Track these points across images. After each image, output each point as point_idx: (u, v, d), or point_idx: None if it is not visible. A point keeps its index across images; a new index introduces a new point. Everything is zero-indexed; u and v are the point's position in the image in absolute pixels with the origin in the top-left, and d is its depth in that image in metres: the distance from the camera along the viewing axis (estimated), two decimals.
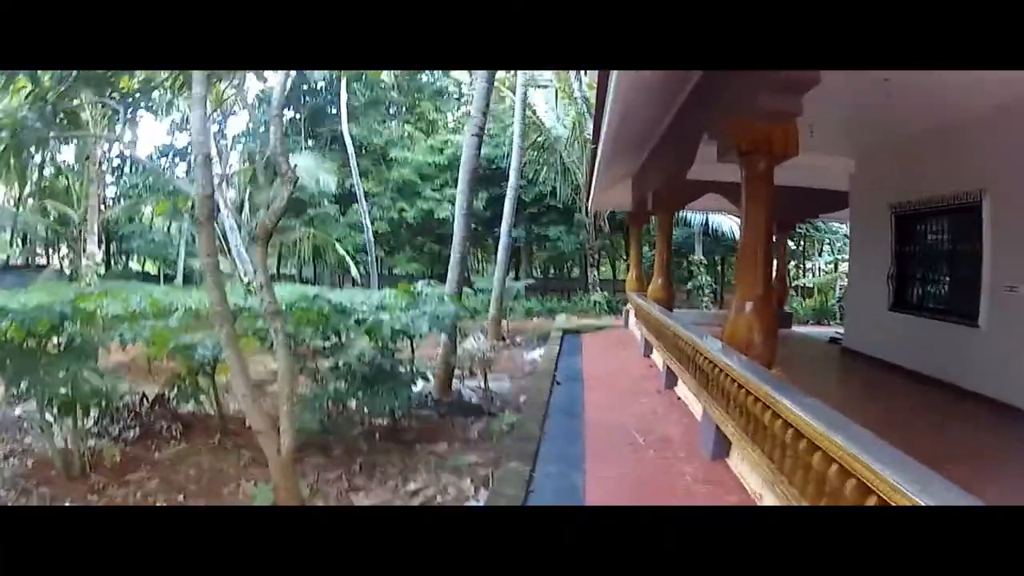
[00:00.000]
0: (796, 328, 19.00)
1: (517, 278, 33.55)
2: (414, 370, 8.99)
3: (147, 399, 9.55)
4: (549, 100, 26.67)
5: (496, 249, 43.02)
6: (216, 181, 25.80)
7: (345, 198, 36.43)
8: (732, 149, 6.61)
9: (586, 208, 27.23)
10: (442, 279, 36.31)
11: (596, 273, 32.21)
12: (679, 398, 9.62)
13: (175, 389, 8.87)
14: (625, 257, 39.14)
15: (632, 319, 17.40)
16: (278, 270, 43.27)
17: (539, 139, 27.64)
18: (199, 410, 9.58)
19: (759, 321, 6.50)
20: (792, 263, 35.42)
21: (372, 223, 34.65)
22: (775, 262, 18.33)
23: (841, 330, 16.05)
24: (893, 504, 2.85)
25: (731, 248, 33.03)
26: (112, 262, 41.69)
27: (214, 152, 28.55)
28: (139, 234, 36.90)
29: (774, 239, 18.83)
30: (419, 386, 12.10)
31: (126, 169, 37.88)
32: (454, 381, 11.93)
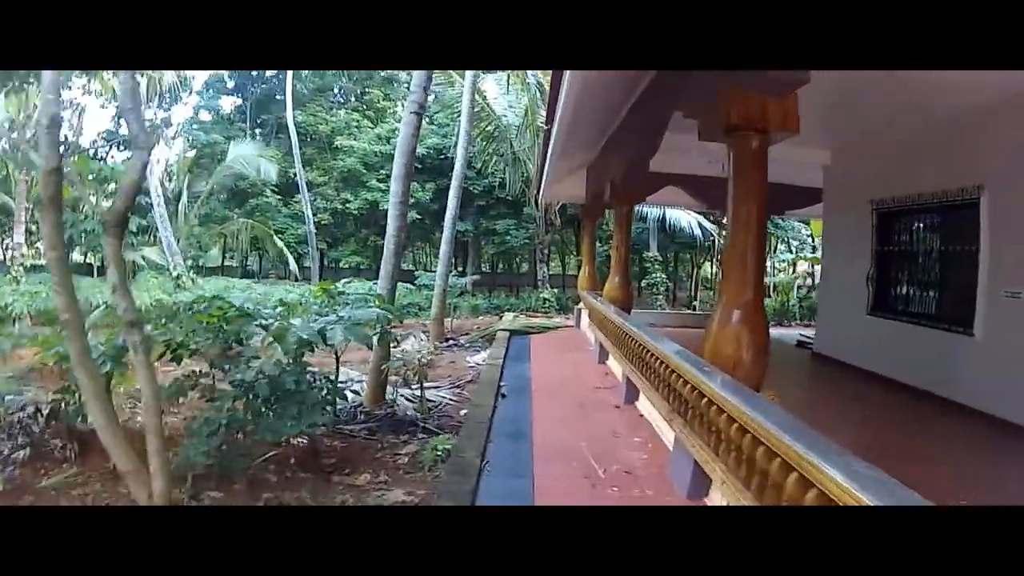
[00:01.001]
0: None
1: (464, 273, 32.70)
2: (334, 385, 7.61)
3: (41, 413, 8.01)
4: (501, 86, 25.27)
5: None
6: (147, 167, 24.90)
7: (289, 188, 35.38)
8: (717, 126, 5.53)
9: (536, 200, 26.09)
10: (363, 271, 35.95)
11: (546, 269, 31.04)
12: (642, 415, 8.53)
13: (62, 402, 7.29)
14: (576, 253, 38.46)
15: (585, 320, 16.17)
16: (223, 262, 42.21)
17: (489, 127, 26.25)
18: None
19: (749, 334, 5.44)
20: None
21: (315, 214, 33.85)
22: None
23: (808, 332, 15.41)
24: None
25: (687, 245, 32.28)
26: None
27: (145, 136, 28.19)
28: (71, 223, 35.11)
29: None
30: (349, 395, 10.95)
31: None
32: (389, 388, 10.63)
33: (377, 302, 8.56)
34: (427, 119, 36.37)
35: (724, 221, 28.60)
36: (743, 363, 5.35)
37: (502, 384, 10.54)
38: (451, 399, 10.58)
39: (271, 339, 6.76)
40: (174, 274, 22.26)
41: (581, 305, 17.51)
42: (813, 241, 30.23)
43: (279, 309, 7.67)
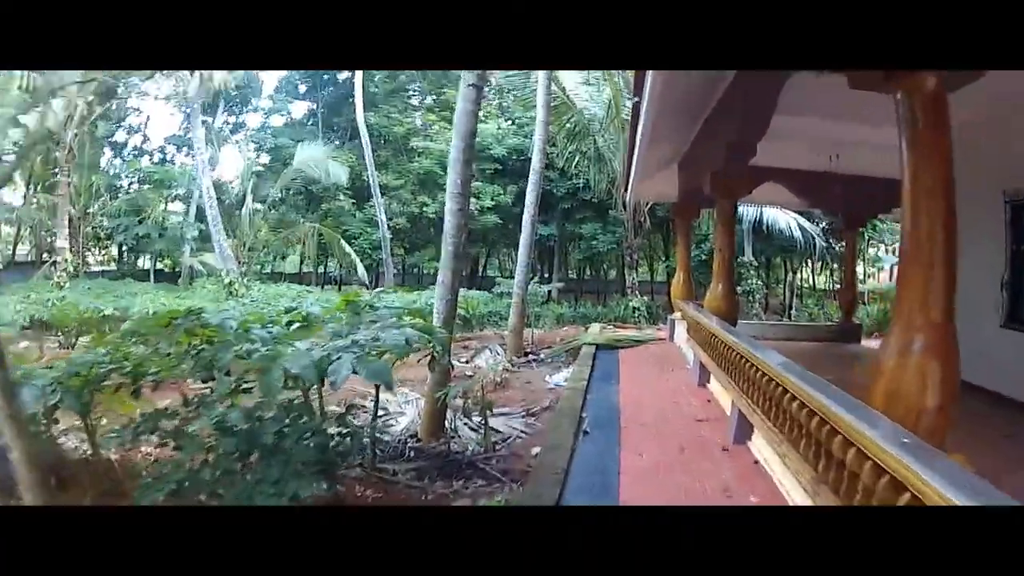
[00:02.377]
0: (865, 342, 15.79)
1: (547, 280, 31.29)
2: (347, 431, 5.84)
3: None
4: (581, 75, 23.39)
5: (531, 248, 41.77)
6: (203, 171, 23.82)
7: (364, 192, 34.29)
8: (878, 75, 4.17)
9: (624, 201, 24.30)
10: (464, 280, 34.85)
11: (635, 275, 29.26)
12: (757, 461, 6.71)
13: None
14: (665, 258, 36.87)
15: (680, 333, 14.30)
16: (300, 269, 42.21)
17: (570, 122, 24.41)
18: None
19: (938, 372, 3.82)
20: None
21: (391, 218, 32.74)
22: (843, 265, 16.35)
23: None
24: None
25: (783, 248, 29.89)
26: (122, 259, 40.10)
27: (201, 140, 27.66)
28: (123, 228, 34.46)
29: (841, 237, 15.80)
30: (400, 423, 9.39)
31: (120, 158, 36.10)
32: (450, 415, 8.98)
33: (414, 320, 6.71)
34: (506, 118, 35.15)
35: (825, 223, 26.49)
36: (927, 412, 3.80)
37: (584, 416, 8.69)
38: (522, 431, 8.98)
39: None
40: (225, 280, 20.99)
41: (675, 315, 15.59)
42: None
43: (295, 326, 5.95)
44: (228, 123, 41.39)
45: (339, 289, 33.86)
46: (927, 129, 3.96)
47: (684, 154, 12.03)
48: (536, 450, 7.70)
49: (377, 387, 7.22)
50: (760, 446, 6.67)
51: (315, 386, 5.43)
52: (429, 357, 7.34)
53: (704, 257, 27.75)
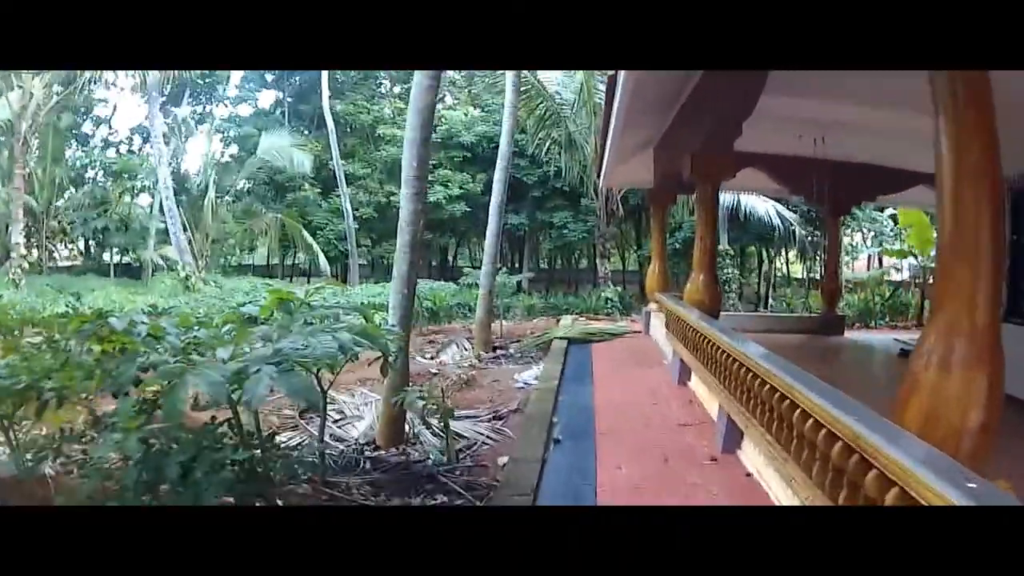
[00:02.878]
0: (849, 334, 15.50)
1: (517, 270, 30.69)
2: (270, 459, 4.97)
3: None
4: None
5: (501, 238, 41.28)
6: (160, 161, 23.05)
7: (330, 182, 33.70)
8: None
9: (596, 188, 23.66)
10: (435, 270, 34.27)
11: (607, 265, 28.59)
12: (750, 474, 6.02)
13: None
14: (637, 247, 36.28)
15: (656, 326, 13.76)
16: (268, 261, 41.62)
17: (540, 107, 23.78)
18: None
19: (986, 383, 3.22)
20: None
21: (357, 208, 32.17)
22: (826, 255, 15.83)
23: (904, 337, 13.08)
24: None
25: (760, 236, 29.24)
26: (89, 254, 39.35)
27: (158, 129, 26.85)
28: (83, 222, 33.52)
29: (818, 226, 15.25)
30: (358, 428, 8.65)
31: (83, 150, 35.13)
32: (412, 419, 8.21)
33: (355, 322, 5.82)
34: (475, 105, 34.48)
35: (803, 210, 25.95)
36: (970, 432, 3.21)
37: (555, 421, 7.99)
38: (489, 436, 8.17)
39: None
40: (181, 275, 20.16)
41: (650, 307, 15.06)
42: (898, 233, 27.24)
43: (226, 328, 5.14)
44: (195, 113, 40.48)
45: (308, 281, 33.17)
46: (970, 107, 3.40)
47: (661, 136, 11.37)
48: (504, 460, 6.93)
49: (324, 392, 6.42)
50: (752, 456, 6.03)
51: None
52: (381, 360, 6.59)
53: (678, 246, 27.19)
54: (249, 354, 4.19)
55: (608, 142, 11.97)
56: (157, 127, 25.31)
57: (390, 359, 6.46)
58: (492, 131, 30.35)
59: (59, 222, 33.73)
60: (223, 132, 39.35)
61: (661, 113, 10.10)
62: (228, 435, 4.63)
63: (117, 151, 37.74)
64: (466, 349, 15.01)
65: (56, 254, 38.02)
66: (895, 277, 26.93)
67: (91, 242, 37.54)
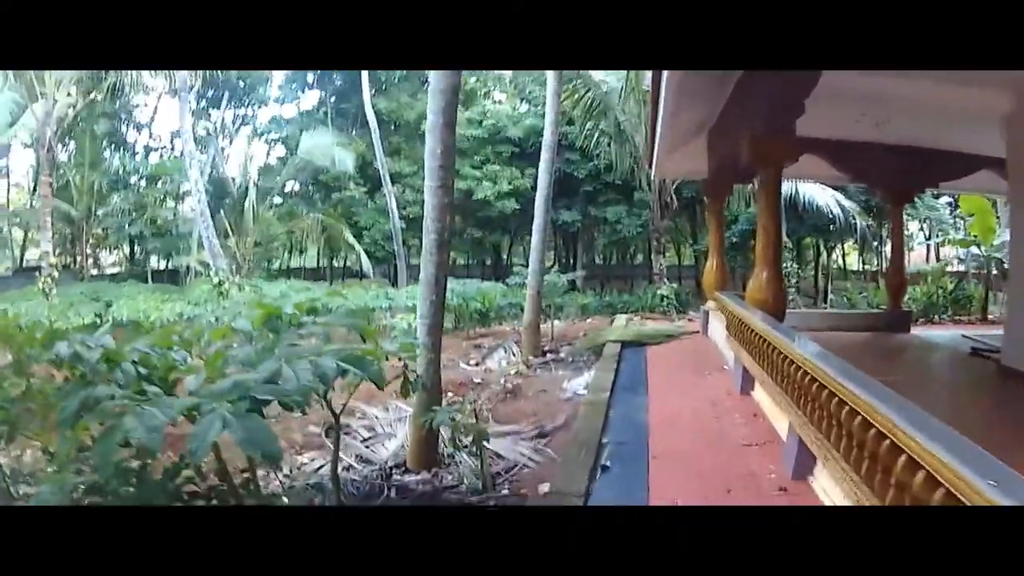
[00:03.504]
0: (915, 330, 14.28)
1: (572, 268, 29.98)
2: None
3: None
4: None
5: (556, 235, 40.63)
6: (192, 162, 22.66)
7: (376, 180, 32.89)
8: None
9: (649, 180, 22.71)
10: (488, 269, 33.58)
11: (662, 261, 27.57)
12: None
13: None
14: (692, 241, 35.28)
15: (715, 326, 12.79)
16: (318, 263, 41.08)
17: (587, 95, 22.86)
18: None
19: None
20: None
21: (403, 207, 31.45)
22: (890, 245, 14.86)
23: (976, 334, 12.25)
24: None
25: (816, 227, 27.95)
26: (135, 260, 38.94)
27: (188, 129, 26.34)
28: (116, 228, 33.36)
29: (887, 213, 15.19)
30: (388, 447, 7.98)
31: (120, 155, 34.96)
32: (448, 434, 7.41)
33: (345, 345, 4.89)
34: (523, 99, 33.74)
35: (863, 199, 24.84)
36: None
37: (604, 442, 7.11)
38: (530, 458, 7.32)
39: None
40: (214, 280, 19.56)
41: (708, 306, 14.09)
42: (956, 222, 25.95)
43: (214, 347, 4.37)
44: (237, 116, 40.26)
45: (360, 283, 32.65)
46: None
47: (716, 120, 10.59)
48: (545, 488, 6.11)
49: (337, 419, 5.61)
50: (827, 485, 5.10)
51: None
52: (402, 380, 5.80)
53: (735, 239, 26.21)
54: (217, 384, 3.40)
55: (657, 128, 11.08)
56: (187, 128, 24.74)
57: (411, 378, 5.71)
58: (540, 124, 28.97)
59: (104, 229, 33.63)
60: (265, 134, 39.29)
61: (713, 93, 9.39)
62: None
63: (160, 155, 37.54)
64: (514, 354, 14.17)
65: (101, 261, 38.52)
66: (956, 268, 25.49)
67: (136, 248, 37.30)
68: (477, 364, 13.37)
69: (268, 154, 39.56)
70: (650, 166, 15.31)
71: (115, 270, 38.04)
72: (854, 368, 4.35)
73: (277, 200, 33.63)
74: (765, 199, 8.19)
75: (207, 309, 13.33)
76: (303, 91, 40.33)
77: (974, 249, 19.95)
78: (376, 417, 8.87)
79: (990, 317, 18.36)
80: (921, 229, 31.60)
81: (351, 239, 29.48)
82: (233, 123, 38.87)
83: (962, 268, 23.51)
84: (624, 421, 7.91)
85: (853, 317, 15.59)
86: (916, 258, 33.16)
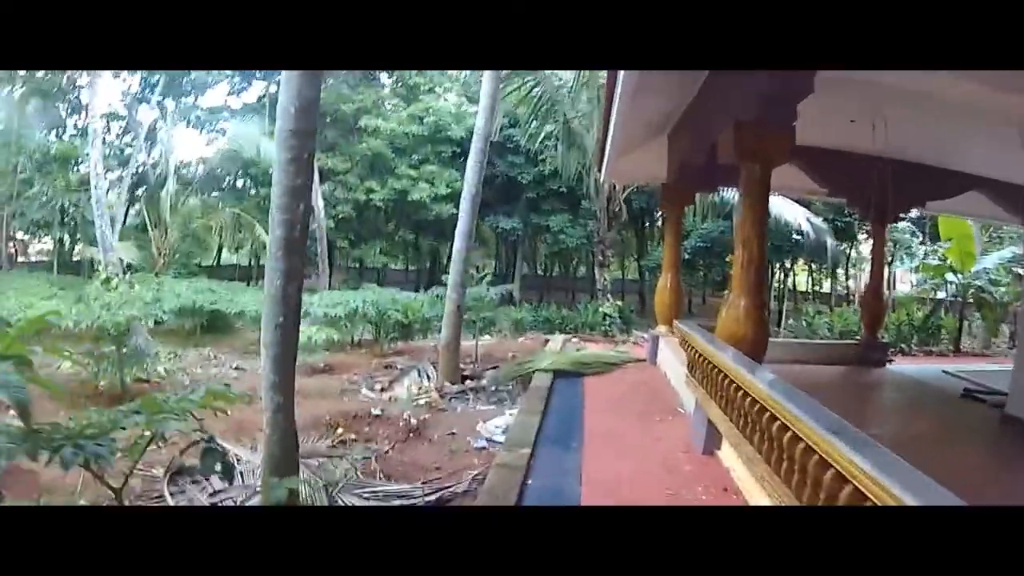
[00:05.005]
0: (892, 365, 12.63)
1: (505, 278, 28.64)
2: None
3: None
4: None
5: (497, 243, 38.96)
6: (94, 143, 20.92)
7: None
8: None
9: (596, 185, 21.37)
10: (419, 274, 31.88)
11: (606, 275, 25.46)
12: None
13: None
14: (638, 257, 33.73)
15: (667, 354, 10.91)
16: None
17: (532, 85, 20.70)
18: None
19: None
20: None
21: (335, 206, 29.82)
22: (870, 267, 13.41)
23: (960, 369, 11.49)
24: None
25: (774, 247, 25.97)
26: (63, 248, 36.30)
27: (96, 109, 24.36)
28: (19, 214, 31.20)
29: (869, 232, 14.09)
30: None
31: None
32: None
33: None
34: (469, 96, 32.13)
35: (831, 216, 23.47)
36: None
37: None
38: None
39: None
40: (102, 276, 17.45)
41: (658, 330, 12.25)
42: (926, 244, 24.55)
43: None
44: (182, 103, 37.84)
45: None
46: None
47: (685, 111, 9.08)
48: None
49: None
50: None
51: None
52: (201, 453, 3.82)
53: (687, 256, 24.62)
54: None
55: (610, 127, 9.80)
56: (96, 106, 22.48)
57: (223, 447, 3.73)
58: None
59: (20, 214, 31.36)
60: (205, 125, 37.12)
61: (678, 87, 8.32)
62: None
63: (103, 141, 35.35)
64: (429, 377, 12.09)
65: (29, 249, 37.01)
66: (936, 296, 24.14)
67: (59, 236, 34.78)
68: (383, 390, 11.32)
69: (209, 145, 37.39)
70: (600, 169, 13.71)
71: (42, 259, 36.36)
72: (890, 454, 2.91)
73: (215, 194, 32.49)
74: (749, 207, 6.34)
75: (74, 310, 11.44)
76: (250, 82, 38.46)
77: (950, 276, 18.86)
78: (237, 459, 7.09)
79: (963, 349, 17.70)
80: (896, 253, 30.36)
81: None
82: (175, 111, 36.49)
83: (929, 295, 22.53)
84: (547, 494, 5.78)
85: (822, 348, 13.91)
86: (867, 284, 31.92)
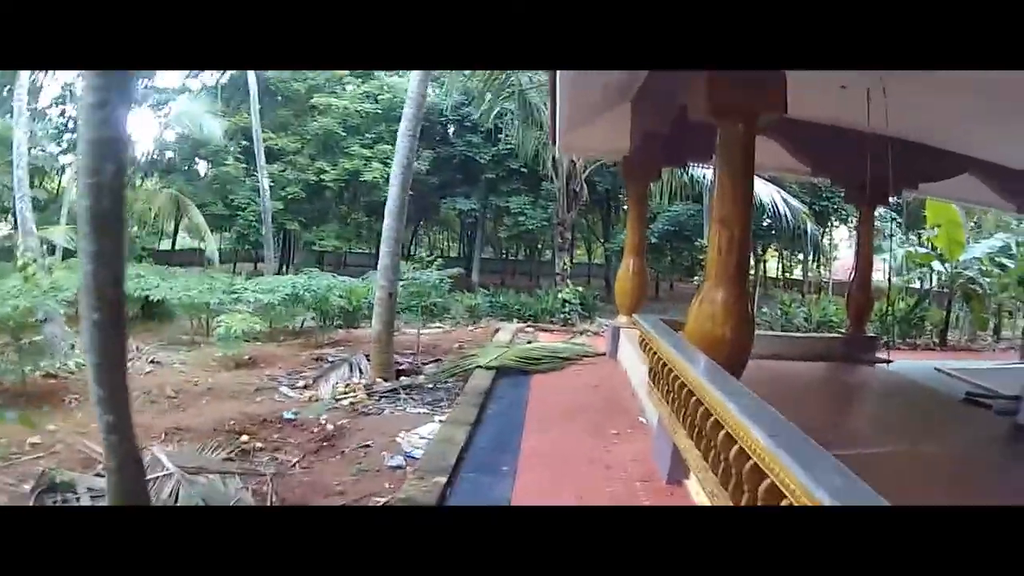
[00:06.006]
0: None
1: (460, 261, 29.26)
2: None
3: None
4: None
5: (461, 225, 37.89)
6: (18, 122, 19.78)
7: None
8: None
9: (555, 159, 20.56)
10: (371, 257, 30.82)
11: (567, 260, 24.45)
12: None
13: None
14: (603, 240, 32.73)
15: (628, 351, 9.78)
16: (220, 246, 36.86)
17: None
18: None
19: None
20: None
21: (283, 187, 28.79)
22: (858, 252, 12.52)
23: (953, 366, 11.13)
24: None
25: (754, 233, 24.91)
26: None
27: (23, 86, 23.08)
28: None
29: (858, 215, 13.18)
30: None
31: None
32: None
33: None
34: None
35: (809, 200, 22.51)
36: None
37: None
38: None
39: None
40: (19, 262, 16.17)
41: (619, 320, 11.25)
42: (906, 231, 24.59)
43: None
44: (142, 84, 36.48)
45: (233, 269, 29.45)
46: None
47: (643, 82, 8.31)
48: None
49: None
50: None
51: None
52: None
53: (653, 240, 23.64)
54: None
55: (557, 96, 9.12)
56: (21, 79, 21.06)
57: None
58: (442, 103, 27.79)
59: None
60: (156, 105, 35.59)
61: None
62: None
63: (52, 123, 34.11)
64: (361, 372, 10.73)
65: None
66: (894, 282, 23.08)
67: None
68: (306, 387, 9.94)
69: (163, 126, 35.94)
70: (553, 142, 12.67)
71: None
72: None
73: (170, 176, 31.68)
74: (729, 176, 5.11)
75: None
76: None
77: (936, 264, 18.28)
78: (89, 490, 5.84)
79: (949, 342, 17.11)
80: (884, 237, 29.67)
81: (199, 219, 26.53)
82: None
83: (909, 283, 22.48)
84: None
85: (804, 343, 12.87)
86: (841, 268, 31.70)
